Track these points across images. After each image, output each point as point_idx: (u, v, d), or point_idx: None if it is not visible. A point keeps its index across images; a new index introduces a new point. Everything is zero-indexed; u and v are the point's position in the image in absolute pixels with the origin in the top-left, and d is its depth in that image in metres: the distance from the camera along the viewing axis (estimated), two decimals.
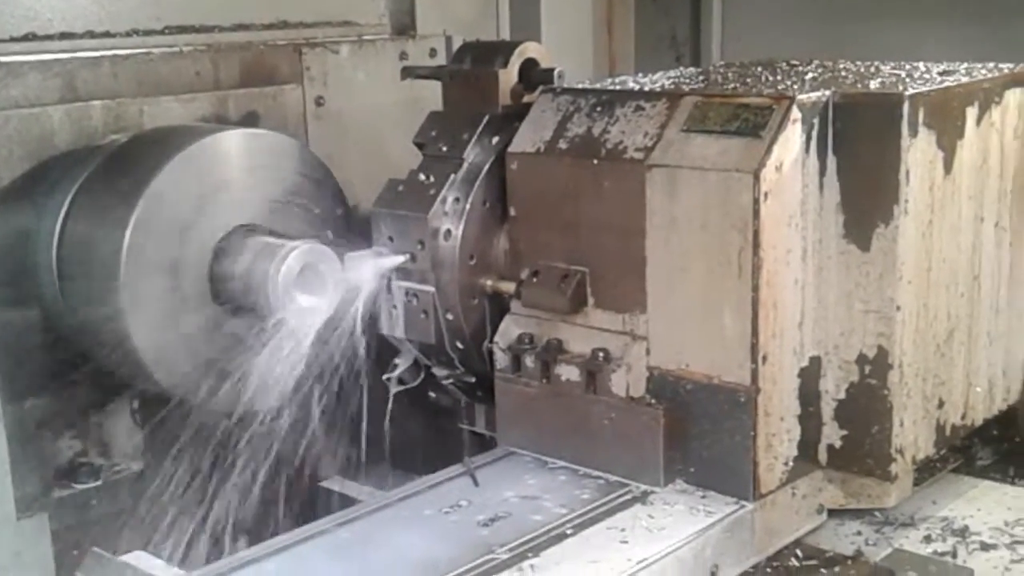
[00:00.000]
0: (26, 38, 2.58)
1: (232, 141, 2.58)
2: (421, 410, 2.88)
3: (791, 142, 2.20)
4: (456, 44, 3.12)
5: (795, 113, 2.20)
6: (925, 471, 2.60)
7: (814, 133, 2.25)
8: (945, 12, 4.39)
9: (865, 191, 2.26)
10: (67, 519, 2.59)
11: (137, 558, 2.55)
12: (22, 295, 2.49)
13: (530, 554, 2.11)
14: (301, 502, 2.89)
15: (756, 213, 2.15)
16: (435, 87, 2.75)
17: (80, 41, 2.66)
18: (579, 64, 4.75)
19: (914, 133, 2.23)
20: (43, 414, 2.54)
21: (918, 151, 2.25)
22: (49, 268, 2.50)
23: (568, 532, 2.19)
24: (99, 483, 2.65)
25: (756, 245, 2.16)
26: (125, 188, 2.42)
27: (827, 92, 2.27)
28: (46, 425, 2.56)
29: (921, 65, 2.60)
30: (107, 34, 2.70)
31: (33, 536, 2.53)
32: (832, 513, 2.45)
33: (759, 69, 2.68)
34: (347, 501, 2.83)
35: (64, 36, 2.64)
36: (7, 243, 2.47)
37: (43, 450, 2.56)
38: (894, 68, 2.59)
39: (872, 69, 2.59)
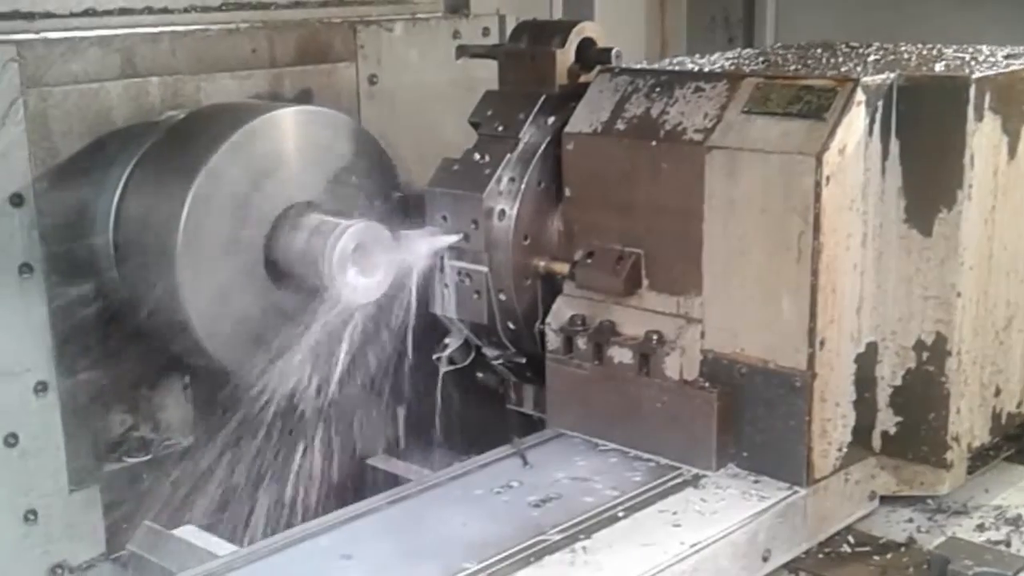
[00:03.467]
0: (86, 13, 2.60)
1: (288, 119, 2.58)
2: (467, 390, 2.88)
3: (855, 125, 2.17)
4: (509, 23, 3.11)
5: (859, 96, 2.17)
6: (978, 459, 2.57)
7: (878, 116, 2.22)
8: None
9: (928, 175, 2.23)
10: (118, 492, 2.61)
11: (188, 532, 2.58)
12: (78, 270, 2.50)
13: (582, 536, 2.10)
14: (347, 479, 2.90)
15: (817, 197, 2.12)
16: (488, 66, 2.74)
17: (139, 17, 2.66)
18: (631, 44, 4.72)
19: (979, 117, 2.19)
20: (96, 388, 2.55)
21: (983, 135, 2.21)
22: (105, 243, 2.51)
23: (620, 515, 2.18)
24: (149, 457, 2.67)
25: (816, 229, 2.14)
26: (183, 164, 2.43)
27: (891, 75, 2.24)
28: (98, 399, 2.57)
29: (985, 48, 2.56)
30: (165, 10, 2.71)
31: (85, 508, 2.55)
32: (883, 500, 2.42)
33: (819, 51, 2.65)
34: (393, 479, 2.84)
35: (123, 12, 2.65)
36: (64, 218, 2.47)
37: (95, 424, 2.58)
38: (957, 51, 2.54)
39: (935, 52, 2.55)
